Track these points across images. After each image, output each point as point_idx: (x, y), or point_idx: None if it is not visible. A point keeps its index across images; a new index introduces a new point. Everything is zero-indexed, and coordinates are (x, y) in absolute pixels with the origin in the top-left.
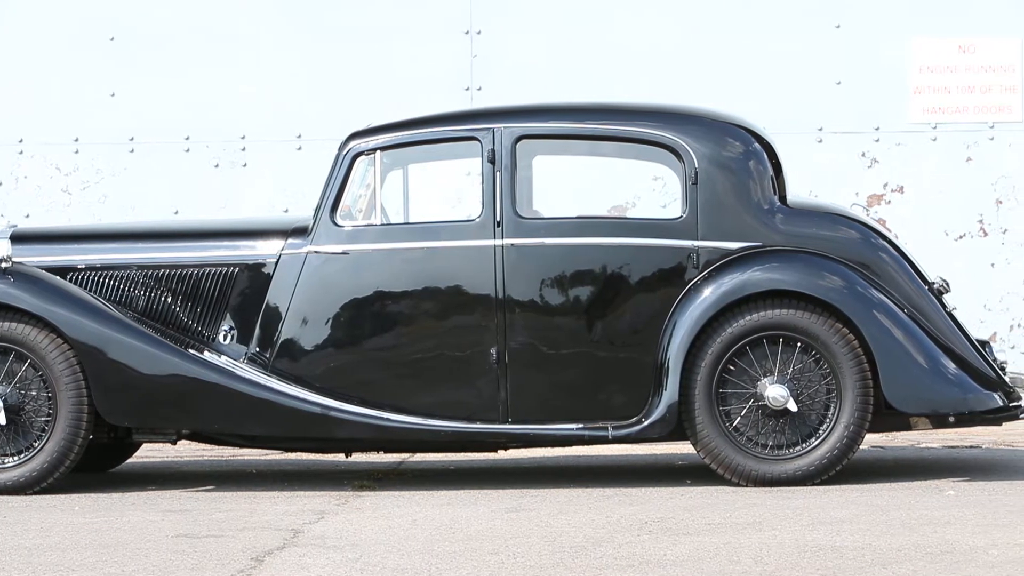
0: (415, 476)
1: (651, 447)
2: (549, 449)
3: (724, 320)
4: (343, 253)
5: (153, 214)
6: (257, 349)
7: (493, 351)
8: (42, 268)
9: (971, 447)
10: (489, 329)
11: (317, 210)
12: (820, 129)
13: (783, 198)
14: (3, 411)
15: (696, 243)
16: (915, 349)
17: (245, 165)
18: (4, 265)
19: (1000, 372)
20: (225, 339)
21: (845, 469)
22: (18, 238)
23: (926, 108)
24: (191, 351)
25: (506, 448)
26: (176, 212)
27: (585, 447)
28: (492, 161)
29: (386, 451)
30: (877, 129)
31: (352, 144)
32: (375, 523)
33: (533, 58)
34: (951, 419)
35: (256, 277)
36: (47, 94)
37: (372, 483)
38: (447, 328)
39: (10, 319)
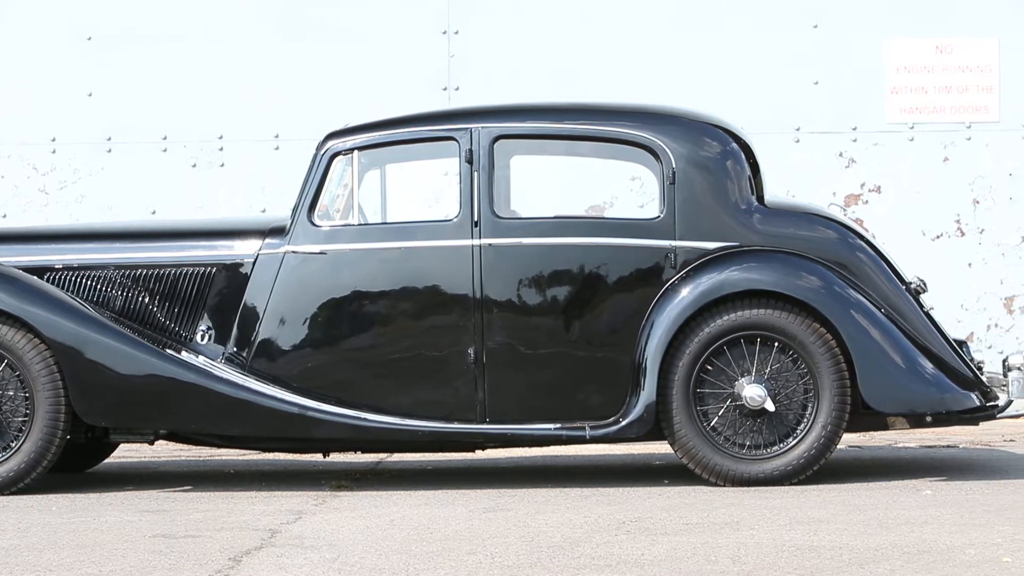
0: (393, 476)
1: (629, 447)
2: (527, 449)
3: (702, 320)
4: (321, 253)
5: (130, 214)
6: (235, 349)
7: (471, 351)
8: (19, 268)
9: (948, 447)
10: (467, 329)
11: (295, 210)
12: (798, 129)
13: (761, 198)
14: None
15: (674, 243)
16: (892, 349)
17: (223, 165)
18: None
19: (977, 372)
20: (203, 339)
21: (822, 469)
22: None
23: (903, 108)
24: (168, 351)
25: (484, 448)
26: (154, 212)
27: (563, 447)
28: (470, 161)
29: (364, 451)
30: (854, 129)
31: (330, 144)
32: (353, 523)
33: (511, 58)
34: (928, 419)
35: (234, 277)
36: (24, 94)
37: (350, 483)
38: (425, 328)
39: None
